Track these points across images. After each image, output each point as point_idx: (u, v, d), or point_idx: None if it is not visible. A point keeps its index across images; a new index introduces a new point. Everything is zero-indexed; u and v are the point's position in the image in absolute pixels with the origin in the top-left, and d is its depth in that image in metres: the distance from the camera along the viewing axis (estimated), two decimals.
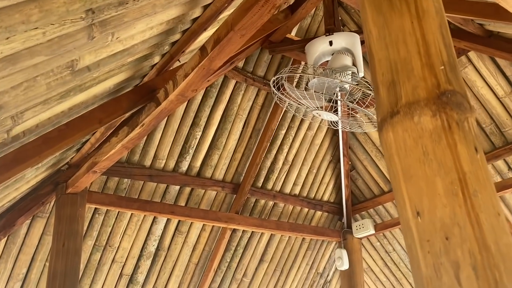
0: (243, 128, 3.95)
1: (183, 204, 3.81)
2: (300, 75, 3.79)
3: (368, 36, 1.22)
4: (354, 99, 2.95)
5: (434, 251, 0.92)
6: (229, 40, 1.84)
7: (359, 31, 3.15)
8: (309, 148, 4.37)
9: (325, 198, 4.67)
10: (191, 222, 3.88)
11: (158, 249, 3.81)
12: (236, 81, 3.72)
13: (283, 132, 4.16)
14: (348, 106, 2.96)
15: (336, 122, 3.05)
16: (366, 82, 2.69)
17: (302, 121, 4.21)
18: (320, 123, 4.27)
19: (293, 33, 3.69)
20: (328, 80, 2.67)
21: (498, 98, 3.44)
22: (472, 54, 3.35)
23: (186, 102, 3.51)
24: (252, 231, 4.23)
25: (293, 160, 4.32)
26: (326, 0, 3.25)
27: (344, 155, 4.41)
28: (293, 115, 4.08)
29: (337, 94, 2.81)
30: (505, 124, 3.50)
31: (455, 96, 1.01)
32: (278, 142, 4.17)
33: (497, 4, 2.14)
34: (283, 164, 4.29)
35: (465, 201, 0.93)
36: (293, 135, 4.23)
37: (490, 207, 0.94)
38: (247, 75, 3.73)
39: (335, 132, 4.43)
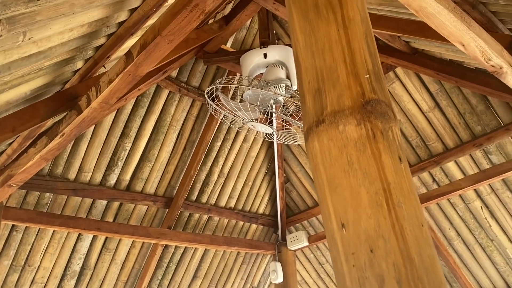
0: (176, 139, 3.83)
1: (111, 219, 3.61)
2: (235, 87, 3.76)
3: (295, 44, 1.19)
4: (288, 112, 2.96)
5: (359, 264, 0.89)
6: (156, 45, 1.76)
7: None
8: (244, 161, 4.33)
9: (261, 210, 4.64)
10: (120, 239, 3.68)
11: (83, 267, 3.57)
12: (170, 91, 3.61)
13: (219, 144, 4.09)
14: (282, 118, 2.96)
15: (271, 134, 3.04)
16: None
17: (237, 133, 4.17)
18: (255, 135, 4.25)
19: (229, 44, 3.65)
20: (263, 92, 2.66)
21: (423, 113, 3.60)
22: (399, 70, 3.49)
23: (115, 112, 3.35)
24: (186, 247, 4.10)
25: (228, 173, 4.26)
26: (261, 13, 3.27)
27: (279, 167, 4.42)
28: (229, 127, 4.03)
29: (271, 106, 2.80)
30: (430, 137, 3.67)
31: (379, 105, 1.00)
32: (213, 154, 4.10)
33: (422, 22, 2.22)
34: (218, 176, 4.21)
35: (390, 212, 0.91)
36: (229, 147, 4.17)
37: (414, 218, 0.93)
38: (181, 85, 3.63)
39: (271, 145, 4.43)
